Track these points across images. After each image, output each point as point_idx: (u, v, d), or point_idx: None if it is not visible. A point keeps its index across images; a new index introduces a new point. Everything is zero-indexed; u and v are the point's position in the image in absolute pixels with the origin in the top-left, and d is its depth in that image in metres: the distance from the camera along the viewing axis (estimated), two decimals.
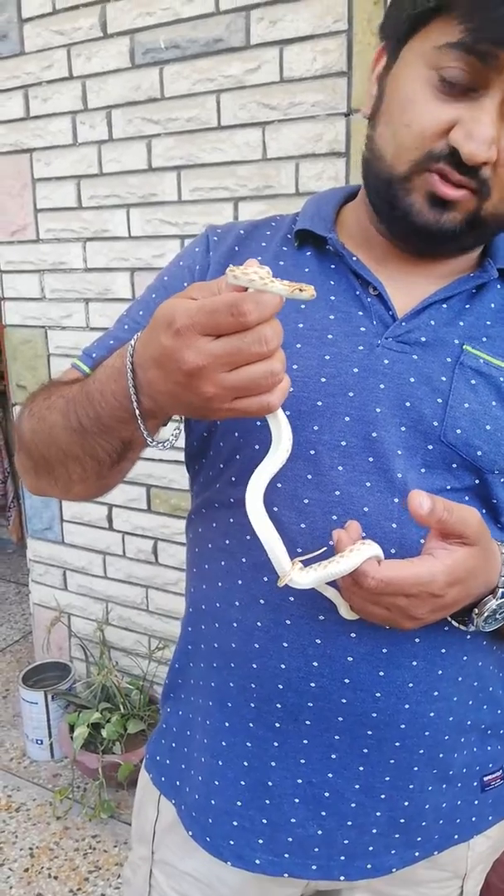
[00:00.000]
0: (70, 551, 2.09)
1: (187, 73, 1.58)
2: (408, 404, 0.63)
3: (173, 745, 0.79)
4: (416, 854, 0.71)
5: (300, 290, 0.47)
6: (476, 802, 0.73)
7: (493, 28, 0.54)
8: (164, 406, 0.54)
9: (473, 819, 0.74)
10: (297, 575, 0.54)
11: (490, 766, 0.74)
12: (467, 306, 0.67)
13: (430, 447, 0.63)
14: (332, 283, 0.68)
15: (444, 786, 0.70)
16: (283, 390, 0.50)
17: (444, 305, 0.67)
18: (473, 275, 0.68)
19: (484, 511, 0.65)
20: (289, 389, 0.51)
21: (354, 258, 0.68)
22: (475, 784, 0.73)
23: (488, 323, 0.67)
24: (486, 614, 0.60)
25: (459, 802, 0.72)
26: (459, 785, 0.71)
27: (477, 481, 0.64)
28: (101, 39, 1.67)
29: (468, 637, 0.66)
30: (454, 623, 0.62)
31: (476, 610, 0.61)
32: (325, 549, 0.58)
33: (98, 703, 1.91)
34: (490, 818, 0.75)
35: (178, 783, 0.77)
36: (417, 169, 0.60)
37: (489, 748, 0.73)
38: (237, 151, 1.57)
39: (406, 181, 0.61)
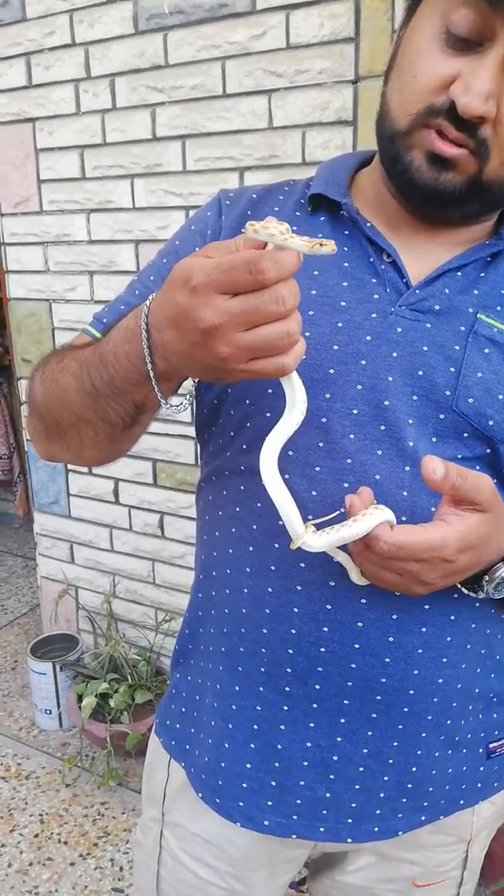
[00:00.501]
0: (77, 525, 2.10)
1: (192, 40, 1.55)
2: (420, 373, 0.63)
3: (183, 709, 0.80)
4: (423, 818, 0.72)
5: (321, 244, 0.47)
6: (482, 769, 0.74)
7: None
8: (179, 367, 0.54)
9: (479, 785, 0.75)
10: (310, 538, 0.55)
11: (496, 733, 0.74)
12: (482, 275, 0.67)
13: (442, 416, 0.63)
14: (345, 249, 0.67)
15: (451, 752, 0.71)
16: (299, 352, 0.50)
17: (459, 273, 0.66)
18: (488, 242, 0.67)
19: (495, 480, 0.65)
20: (303, 354, 0.51)
21: (368, 224, 0.67)
22: (481, 751, 0.74)
23: (503, 292, 0.66)
24: (496, 581, 0.60)
25: (465, 768, 0.73)
26: (465, 751, 0.72)
27: (488, 450, 0.64)
28: (103, 5, 1.63)
29: (477, 605, 0.66)
30: (464, 590, 0.63)
31: (486, 577, 0.61)
32: (337, 513, 0.58)
33: (106, 673, 1.93)
34: (495, 784, 0.76)
35: (187, 747, 0.78)
36: (417, 124, 0.59)
37: (495, 716, 0.74)
38: (243, 120, 1.54)
39: (407, 136, 0.60)
